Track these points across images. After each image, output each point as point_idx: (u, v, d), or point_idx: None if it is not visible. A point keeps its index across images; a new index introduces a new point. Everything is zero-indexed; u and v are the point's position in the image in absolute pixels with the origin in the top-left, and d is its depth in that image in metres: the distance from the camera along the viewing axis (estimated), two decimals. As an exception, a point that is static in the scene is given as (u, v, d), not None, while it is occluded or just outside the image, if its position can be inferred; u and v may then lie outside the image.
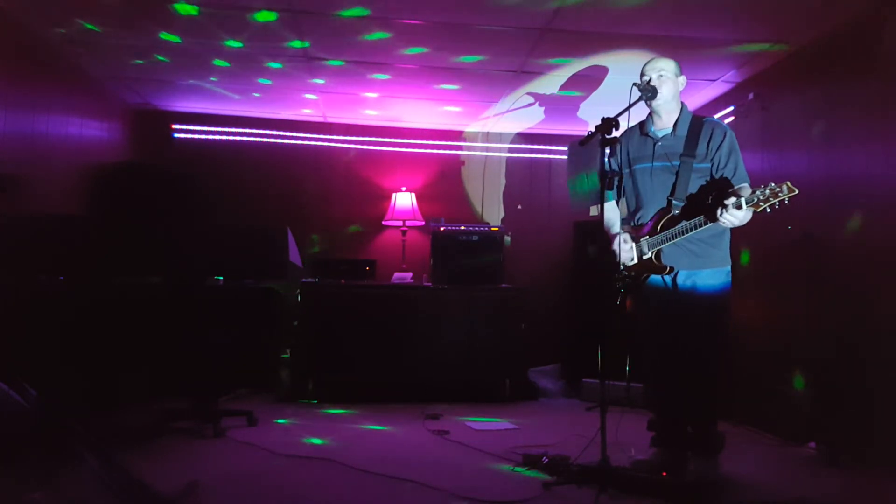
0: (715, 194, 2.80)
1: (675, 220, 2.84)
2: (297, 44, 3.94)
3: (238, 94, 4.98)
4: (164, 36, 3.90)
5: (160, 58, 4.27)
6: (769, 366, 3.92)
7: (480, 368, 4.79)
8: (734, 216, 2.58)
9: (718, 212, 2.60)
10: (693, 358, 2.85)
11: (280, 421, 3.96)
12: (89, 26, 3.79)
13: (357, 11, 3.49)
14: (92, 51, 4.17)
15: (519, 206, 5.84)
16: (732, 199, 2.57)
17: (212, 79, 4.68)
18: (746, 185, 2.78)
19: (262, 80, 4.62)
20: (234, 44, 4.02)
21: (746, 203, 2.53)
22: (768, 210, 2.52)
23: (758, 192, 2.51)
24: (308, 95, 4.92)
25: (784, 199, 2.46)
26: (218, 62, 4.32)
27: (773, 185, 2.48)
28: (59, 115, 4.25)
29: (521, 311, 4.91)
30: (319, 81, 4.59)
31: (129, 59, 4.33)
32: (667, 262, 2.90)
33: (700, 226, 2.74)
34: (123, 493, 2.14)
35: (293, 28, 3.72)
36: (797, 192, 2.44)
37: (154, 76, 4.61)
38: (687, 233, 2.78)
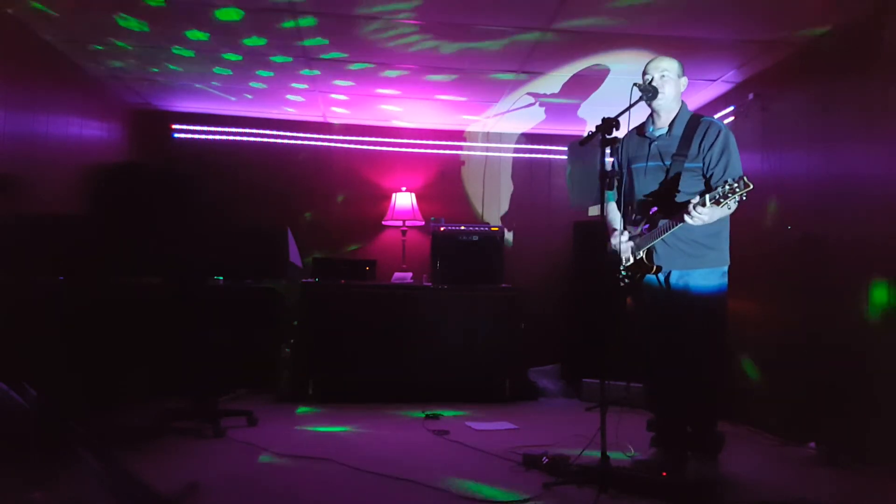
0: (676, 193, 2.82)
1: (657, 220, 2.85)
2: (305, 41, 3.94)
3: (234, 96, 5.03)
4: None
5: (172, 67, 4.36)
6: (769, 366, 3.92)
7: (480, 368, 4.79)
8: (701, 213, 2.60)
9: (691, 208, 2.61)
10: (688, 358, 2.85)
11: (280, 421, 3.96)
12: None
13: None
14: (100, 55, 4.20)
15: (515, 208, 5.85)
16: (696, 198, 2.60)
17: (213, 83, 4.73)
18: None
19: (260, 74, 4.61)
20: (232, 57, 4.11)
21: (710, 200, 2.55)
22: (731, 205, 2.56)
23: (718, 190, 2.53)
24: (297, 85, 4.87)
25: (742, 195, 2.49)
26: (218, 70, 4.41)
27: (730, 180, 2.51)
28: (59, 115, 4.25)
29: (521, 311, 4.91)
30: (315, 73, 4.57)
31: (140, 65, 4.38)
32: (660, 262, 2.90)
33: (672, 226, 2.75)
34: (123, 493, 2.13)
35: (294, 29, 3.72)
36: (752, 186, 2.47)
37: (154, 76, 4.61)
38: (665, 232, 2.79)
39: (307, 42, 3.90)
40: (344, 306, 4.73)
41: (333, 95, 4.94)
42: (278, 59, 4.22)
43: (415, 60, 4.18)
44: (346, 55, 4.13)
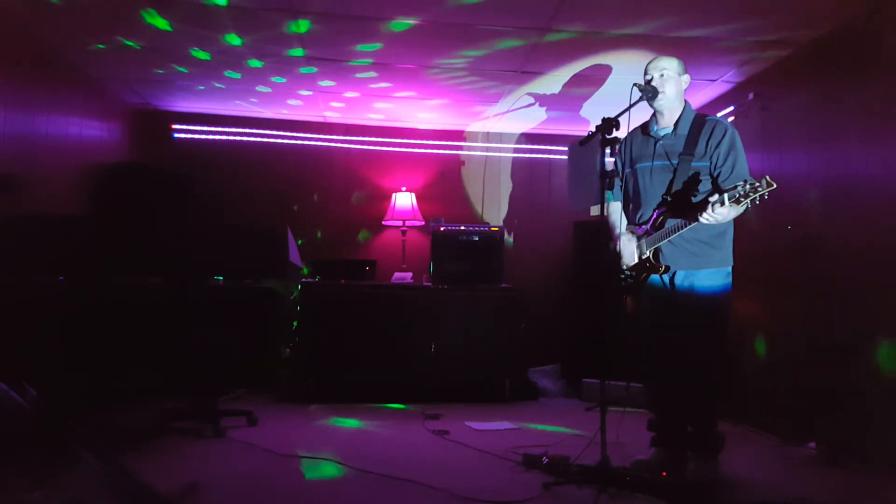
0: (695, 193, 2.81)
1: (664, 220, 2.85)
2: (298, 52, 3.96)
3: (238, 99, 5.12)
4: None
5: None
6: (769, 366, 3.92)
7: (480, 368, 4.79)
8: (718, 213, 2.59)
9: (709, 207, 2.59)
10: (691, 358, 2.85)
11: (280, 421, 3.96)
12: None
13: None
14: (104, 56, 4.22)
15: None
16: (715, 197, 2.58)
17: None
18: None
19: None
20: (234, 40, 4.09)
21: (729, 199, 2.52)
22: (749, 205, 2.54)
23: (739, 188, 2.51)
24: (303, 91, 4.94)
25: (764, 194, 2.47)
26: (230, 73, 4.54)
27: (751, 179, 2.49)
28: (59, 115, 4.25)
29: (521, 311, 4.90)
30: (325, 83, 4.63)
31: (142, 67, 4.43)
32: (665, 261, 2.90)
33: (685, 226, 2.74)
34: (123, 493, 2.13)
35: (293, 30, 3.72)
36: (775, 186, 2.45)
37: (154, 76, 4.61)
38: (676, 232, 2.78)
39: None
40: (344, 306, 4.73)
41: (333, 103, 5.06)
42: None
43: (414, 60, 4.19)
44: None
